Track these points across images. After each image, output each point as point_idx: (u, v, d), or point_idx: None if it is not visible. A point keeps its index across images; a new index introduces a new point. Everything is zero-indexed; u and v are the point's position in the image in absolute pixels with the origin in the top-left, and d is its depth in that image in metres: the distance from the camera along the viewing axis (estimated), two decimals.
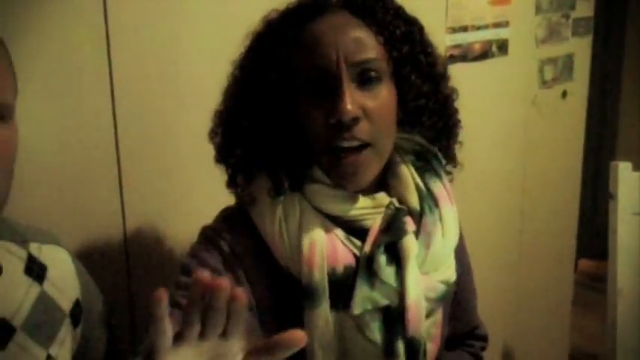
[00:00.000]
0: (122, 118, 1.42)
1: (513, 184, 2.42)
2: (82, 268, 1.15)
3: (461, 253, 1.32)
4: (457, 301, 1.34)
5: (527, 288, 2.52)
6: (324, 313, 1.13)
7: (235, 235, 1.17)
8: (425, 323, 1.18)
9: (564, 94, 2.53)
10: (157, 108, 1.48)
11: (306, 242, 1.13)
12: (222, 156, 1.20)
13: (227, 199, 1.24)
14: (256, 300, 1.16)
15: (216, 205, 1.25)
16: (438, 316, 1.24)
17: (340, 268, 1.13)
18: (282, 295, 1.16)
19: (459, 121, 1.26)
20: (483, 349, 1.45)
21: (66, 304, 1.08)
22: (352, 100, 1.07)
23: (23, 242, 1.06)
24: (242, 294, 0.78)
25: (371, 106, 1.10)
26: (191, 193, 1.54)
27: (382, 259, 1.13)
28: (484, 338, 1.45)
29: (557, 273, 2.70)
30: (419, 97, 1.17)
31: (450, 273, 1.22)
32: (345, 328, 1.15)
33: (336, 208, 1.16)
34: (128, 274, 1.50)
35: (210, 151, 1.21)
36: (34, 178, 1.31)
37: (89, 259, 1.33)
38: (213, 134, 1.21)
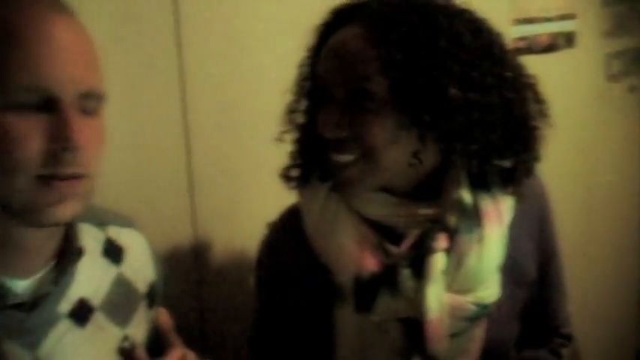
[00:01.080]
0: (193, 119, 1.46)
1: (578, 179, 2.38)
2: (155, 252, 1.18)
3: (545, 261, 1.29)
4: (542, 298, 1.31)
5: (593, 285, 2.48)
6: (348, 315, 1.15)
7: (286, 233, 1.24)
8: (453, 340, 1.16)
9: (632, 88, 2.48)
10: (226, 109, 1.52)
11: (336, 244, 1.15)
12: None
13: (294, 198, 1.26)
14: (295, 292, 1.21)
15: (285, 204, 1.28)
16: (477, 332, 1.20)
17: (366, 274, 1.14)
18: (318, 289, 1.19)
19: (534, 127, 1.17)
20: (564, 346, 1.39)
21: (142, 286, 1.12)
22: (338, 122, 1.08)
23: (102, 225, 1.09)
24: None
25: (360, 124, 1.08)
26: (260, 193, 1.57)
27: (406, 272, 1.13)
28: (568, 337, 1.39)
29: (623, 270, 2.66)
30: (464, 111, 1.08)
31: (487, 294, 1.18)
32: (369, 333, 1.16)
33: (375, 212, 1.16)
34: (198, 272, 1.53)
35: (276, 151, 1.23)
36: (109, 174, 1.35)
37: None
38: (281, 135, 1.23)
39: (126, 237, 1.11)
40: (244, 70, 1.53)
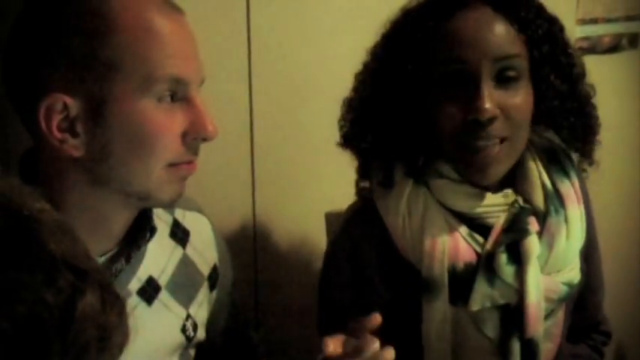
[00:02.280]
0: (258, 112, 1.49)
1: (635, 180, 2.36)
2: (220, 236, 1.21)
3: (590, 249, 1.30)
4: (582, 294, 1.32)
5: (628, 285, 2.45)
6: (442, 307, 1.15)
7: (361, 231, 1.21)
8: (544, 324, 1.18)
9: None
10: (290, 99, 1.55)
11: (428, 238, 1.15)
12: (350, 141, 1.23)
13: (353, 188, 1.27)
14: (377, 291, 1.20)
15: (342, 194, 1.29)
16: (560, 316, 1.23)
17: (460, 265, 1.15)
18: (403, 286, 1.19)
19: (598, 120, 1.22)
20: (605, 344, 1.42)
21: (205, 269, 1.15)
22: (490, 99, 1.07)
23: (169, 208, 1.12)
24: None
25: (509, 105, 1.10)
26: (319, 182, 1.60)
27: (503, 258, 1.14)
28: (607, 334, 1.41)
29: None
30: (555, 97, 1.16)
31: (573, 274, 1.21)
32: (462, 322, 1.17)
33: (461, 204, 1.17)
34: (255, 261, 1.57)
35: (335, 143, 1.24)
36: None
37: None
38: (342, 121, 1.23)
39: (191, 220, 1.15)
40: (311, 65, 1.55)
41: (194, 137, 0.94)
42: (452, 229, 1.16)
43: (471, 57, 1.08)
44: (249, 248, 1.58)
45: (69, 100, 0.88)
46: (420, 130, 1.15)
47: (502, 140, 1.10)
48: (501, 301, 1.16)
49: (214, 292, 1.18)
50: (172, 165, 0.94)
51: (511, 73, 1.10)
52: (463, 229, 1.16)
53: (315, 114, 1.56)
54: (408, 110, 1.15)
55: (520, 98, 1.11)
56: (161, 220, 1.10)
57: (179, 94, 0.93)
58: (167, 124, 0.92)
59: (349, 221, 1.25)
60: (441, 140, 1.14)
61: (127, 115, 0.90)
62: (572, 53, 1.18)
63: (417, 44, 1.12)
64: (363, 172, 1.24)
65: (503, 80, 1.10)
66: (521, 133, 1.13)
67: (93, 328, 0.55)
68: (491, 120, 1.08)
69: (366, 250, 1.21)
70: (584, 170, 1.25)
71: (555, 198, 1.19)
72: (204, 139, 0.96)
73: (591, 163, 1.24)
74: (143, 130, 0.90)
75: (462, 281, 1.15)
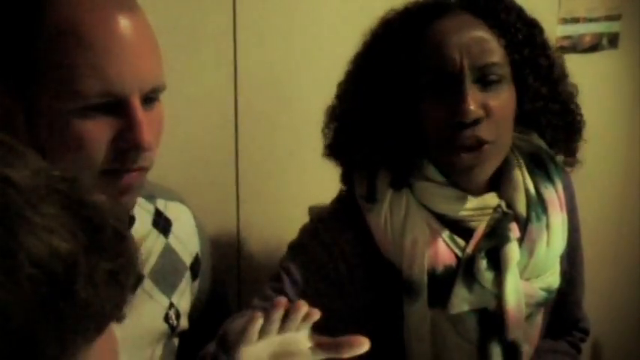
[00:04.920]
0: (243, 107, 1.50)
1: (615, 179, 2.39)
2: (202, 226, 1.22)
3: (573, 252, 1.31)
4: (564, 292, 1.33)
5: (624, 284, 2.48)
6: (421, 309, 1.16)
7: (342, 225, 1.21)
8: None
9: None
10: (276, 95, 1.55)
11: (408, 239, 1.16)
12: (334, 151, 1.23)
13: (337, 185, 1.28)
14: (356, 289, 1.20)
15: (327, 189, 1.29)
16: (538, 318, 1.24)
17: (440, 268, 1.16)
18: (384, 285, 1.19)
19: (582, 118, 1.24)
20: (583, 341, 1.44)
21: (187, 258, 1.16)
22: (474, 101, 1.08)
23: (151, 197, 1.13)
24: (315, 313, 0.87)
25: (492, 106, 1.11)
26: (303, 179, 1.61)
27: (482, 263, 1.15)
28: (586, 331, 1.44)
29: None
30: (537, 99, 1.17)
31: (552, 279, 1.22)
32: (441, 325, 1.17)
33: (445, 207, 1.17)
34: (238, 258, 1.58)
35: (320, 140, 1.25)
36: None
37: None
38: (326, 130, 1.24)
39: (173, 209, 1.16)
40: (297, 65, 1.57)
41: (124, 147, 0.88)
42: (433, 232, 1.16)
43: (453, 63, 1.09)
44: (233, 245, 1.58)
45: (7, 99, 0.87)
46: (405, 135, 1.16)
47: (487, 142, 1.11)
48: (480, 306, 1.17)
49: (197, 282, 1.19)
50: (108, 173, 0.89)
51: (493, 77, 1.11)
52: (444, 232, 1.17)
53: (300, 114, 1.58)
54: (392, 118, 1.15)
55: (503, 100, 1.12)
56: (143, 209, 1.10)
57: (112, 104, 0.87)
58: (93, 133, 0.86)
59: (331, 213, 1.25)
60: (426, 144, 1.15)
61: (52, 122, 0.86)
62: (552, 55, 1.19)
63: (398, 53, 1.13)
64: (346, 181, 1.25)
65: (485, 83, 1.11)
66: (505, 135, 1.15)
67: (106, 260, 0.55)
68: (476, 121, 1.09)
69: (344, 244, 1.20)
70: (571, 166, 1.26)
71: (538, 204, 1.20)
72: (135, 149, 0.89)
73: (575, 162, 1.26)
74: (68, 138, 0.86)
75: (441, 284, 1.16)
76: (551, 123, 1.20)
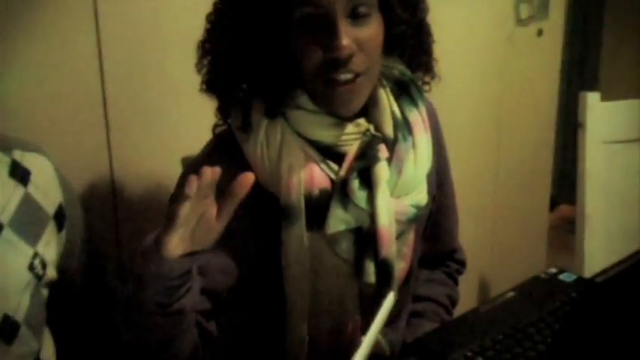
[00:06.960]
0: (108, 57, 1.48)
1: (488, 118, 2.48)
2: (65, 176, 1.21)
3: (442, 177, 1.38)
4: (436, 221, 1.41)
5: (503, 219, 2.60)
6: (299, 232, 1.19)
7: (217, 163, 1.22)
8: (396, 244, 1.25)
9: (540, 32, 2.57)
10: (141, 43, 1.53)
11: (284, 166, 1.19)
12: (210, 85, 1.23)
13: (209, 134, 1.28)
14: (238, 218, 1.22)
15: (199, 140, 1.29)
16: (410, 236, 1.30)
17: (316, 191, 1.19)
18: (263, 214, 1.22)
19: (432, 38, 1.29)
20: (459, 272, 1.52)
21: (50, 208, 1.15)
22: (347, 36, 1.11)
23: (6, 149, 1.12)
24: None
25: (364, 39, 1.14)
26: (175, 127, 1.60)
27: (355, 183, 1.19)
28: (462, 263, 1.51)
29: (532, 206, 2.78)
30: (400, 23, 1.21)
31: (420, 197, 1.28)
32: (318, 246, 1.21)
33: (317, 133, 1.20)
34: (114, 210, 1.57)
35: (194, 88, 1.24)
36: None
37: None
38: (200, 65, 1.23)
39: (31, 160, 1.15)
40: (162, 6, 1.55)
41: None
42: (308, 158, 1.20)
43: (324, 1, 1.12)
44: (109, 198, 1.57)
45: None
46: (278, 66, 1.18)
47: (360, 73, 1.15)
48: (355, 224, 1.21)
49: (63, 233, 1.18)
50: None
51: (363, 9, 1.14)
52: (318, 158, 1.21)
53: (167, 58, 1.56)
54: (264, 50, 1.17)
55: (373, 31, 1.16)
56: None
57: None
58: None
59: (207, 153, 1.27)
60: (300, 75, 1.17)
61: None
62: None
63: None
64: (222, 115, 1.26)
65: (356, 17, 1.14)
66: (376, 63, 1.19)
67: None
68: (350, 56, 1.13)
69: (222, 179, 1.22)
70: (427, 83, 1.32)
71: (404, 125, 1.25)
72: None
73: (434, 76, 1.31)
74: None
75: (317, 207, 1.20)
76: (409, 44, 1.25)
